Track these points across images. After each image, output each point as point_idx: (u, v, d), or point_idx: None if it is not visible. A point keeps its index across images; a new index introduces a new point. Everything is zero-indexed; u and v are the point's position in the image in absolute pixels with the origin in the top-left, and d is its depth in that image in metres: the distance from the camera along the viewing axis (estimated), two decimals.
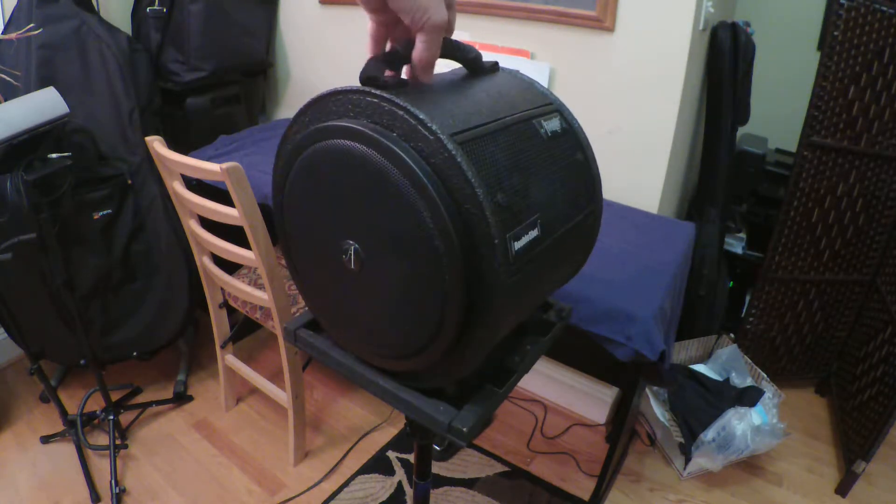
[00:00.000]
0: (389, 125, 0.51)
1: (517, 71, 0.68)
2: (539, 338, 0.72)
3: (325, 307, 0.67)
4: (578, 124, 0.65)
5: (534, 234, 0.53)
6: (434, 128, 0.49)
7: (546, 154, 0.59)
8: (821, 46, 2.01)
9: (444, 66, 0.69)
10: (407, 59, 0.55)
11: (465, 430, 0.58)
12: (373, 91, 0.52)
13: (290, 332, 0.74)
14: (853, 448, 1.63)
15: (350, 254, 0.57)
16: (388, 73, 0.57)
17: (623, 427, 1.49)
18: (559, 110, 0.64)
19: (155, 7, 1.89)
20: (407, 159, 0.49)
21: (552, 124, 0.61)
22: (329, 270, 0.60)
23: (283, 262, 1.73)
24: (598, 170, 0.66)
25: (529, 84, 0.65)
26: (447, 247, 0.49)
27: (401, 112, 0.50)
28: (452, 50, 0.60)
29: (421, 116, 0.49)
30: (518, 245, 0.51)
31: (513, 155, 0.54)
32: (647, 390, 1.72)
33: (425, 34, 0.52)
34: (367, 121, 0.52)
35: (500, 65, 0.68)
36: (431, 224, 0.49)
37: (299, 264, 0.66)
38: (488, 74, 0.65)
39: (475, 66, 0.63)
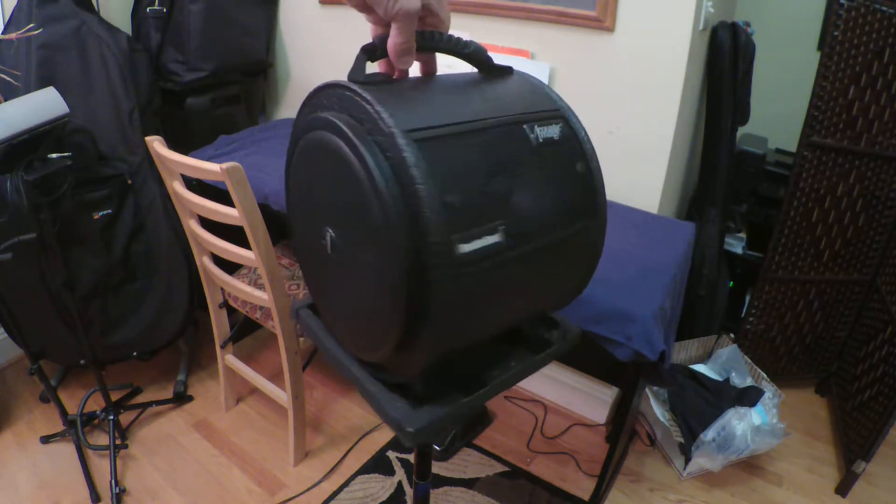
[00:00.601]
0: (360, 118, 0.52)
1: (530, 75, 0.66)
2: (531, 355, 0.69)
3: (318, 292, 0.70)
4: (585, 134, 0.62)
5: (493, 239, 0.52)
6: (389, 122, 0.49)
7: (532, 160, 0.57)
8: (821, 46, 2.01)
9: (444, 67, 0.69)
10: (384, 51, 0.56)
11: (411, 430, 0.57)
12: (348, 85, 0.53)
13: (293, 310, 0.76)
14: (853, 448, 1.63)
15: (327, 240, 0.59)
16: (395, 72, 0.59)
17: (623, 427, 1.49)
18: (565, 118, 0.61)
19: (155, 7, 1.89)
20: (363, 151, 0.49)
21: (548, 131, 0.59)
22: (317, 256, 0.63)
23: (283, 261, 1.73)
24: (603, 183, 0.63)
25: (536, 88, 0.63)
26: (392, 241, 0.49)
27: (367, 106, 0.51)
28: (448, 44, 0.59)
29: (379, 110, 0.50)
30: (467, 248, 0.50)
31: (484, 157, 0.53)
32: (647, 390, 1.72)
33: (397, 21, 0.53)
34: (347, 114, 0.54)
35: (515, 69, 0.66)
36: (380, 217, 0.49)
37: (299, 250, 0.69)
38: (497, 77, 0.64)
39: (477, 63, 0.63)
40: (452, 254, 0.49)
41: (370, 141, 0.50)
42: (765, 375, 1.76)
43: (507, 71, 0.65)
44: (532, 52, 1.70)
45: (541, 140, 0.58)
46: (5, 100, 1.38)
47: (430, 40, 0.58)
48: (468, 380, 0.64)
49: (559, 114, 0.61)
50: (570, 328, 0.73)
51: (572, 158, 0.60)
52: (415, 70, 0.61)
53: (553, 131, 0.59)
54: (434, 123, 0.52)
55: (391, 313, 0.53)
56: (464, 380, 0.63)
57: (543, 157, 0.58)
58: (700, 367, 1.84)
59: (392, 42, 0.55)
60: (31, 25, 1.55)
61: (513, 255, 0.54)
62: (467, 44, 0.60)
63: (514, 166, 0.55)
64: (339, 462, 1.66)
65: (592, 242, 0.65)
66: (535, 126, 0.58)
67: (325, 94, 0.57)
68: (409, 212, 0.48)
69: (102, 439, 1.67)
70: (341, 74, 0.56)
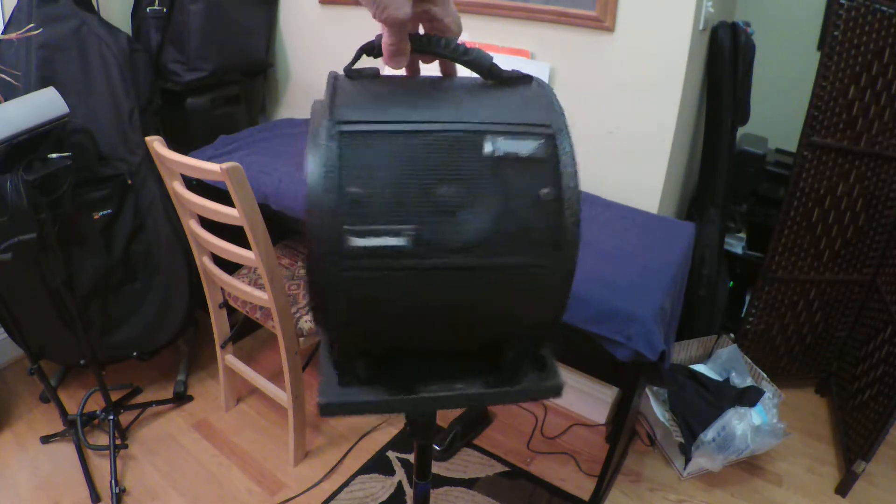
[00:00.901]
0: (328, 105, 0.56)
1: (548, 88, 0.61)
2: (483, 385, 0.64)
3: None
4: (571, 160, 0.54)
5: (393, 241, 0.51)
6: (326, 112, 0.52)
7: (480, 174, 0.52)
8: (821, 46, 2.01)
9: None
10: (380, 49, 0.58)
11: (322, 401, 0.60)
12: (330, 74, 0.57)
13: None
14: (853, 448, 1.63)
15: None
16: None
17: (623, 427, 1.49)
18: (553, 136, 0.54)
19: (155, 7, 1.89)
20: (308, 136, 0.53)
21: (515, 146, 0.53)
22: None
23: (283, 261, 1.73)
24: (576, 218, 0.54)
25: (536, 101, 0.58)
26: (308, 224, 0.51)
27: (326, 94, 0.55)
28: (445, 49, 0.59)
29: (326, 101, 0.53)
30: (360, 242, 0.50)
31: (414, 158, 0.52)
32: (647, 390, 1.72)
33: (385, 26, 0.55)
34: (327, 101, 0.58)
35: (537, 79, 0.63)
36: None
37: None
38: (507, 84, 0.61)
39: (478, 70, 0.62)
40: (341, 244, 0.50)
41: (322, 128, 0.53)
42: (765, 375, 1.76)
43: (519, 80, 0.61)
44: (532, 52, 1.70)
45: (499, 154, 0.53)
46: (5, 100, 1.38)
47: (427, 44, 0.58)
48: (407, 382, 0.63)
49: (545, 131, 0.55)
50: (552, 378, 0.64)
51: (539, 182, 0.53)
52: (434, 69, 0.62)
53: (523, 147, 0.53)
54: (371, 119, 0.52)
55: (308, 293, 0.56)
56: (403, 380, 0.63)
57: (500, 172, 0.53)
58: (700, 367, 1.84)
59: (383, 43, 0.56)
60: (31, 25, 1.55)
61: (421, 265, 0.52)
62: (467, 50, 0.59)
63: (451, 175, 0.52)
64: (339, 462, 1.66)
65: (552, 282, 0.56)
66: (500, 138, 0.53)
67: (329, 83, 0.61)
68: (319, 197, 0.51)
69: (102, 439, 1.67)
70: None
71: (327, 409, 0.60)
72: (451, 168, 0.52)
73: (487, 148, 0.53)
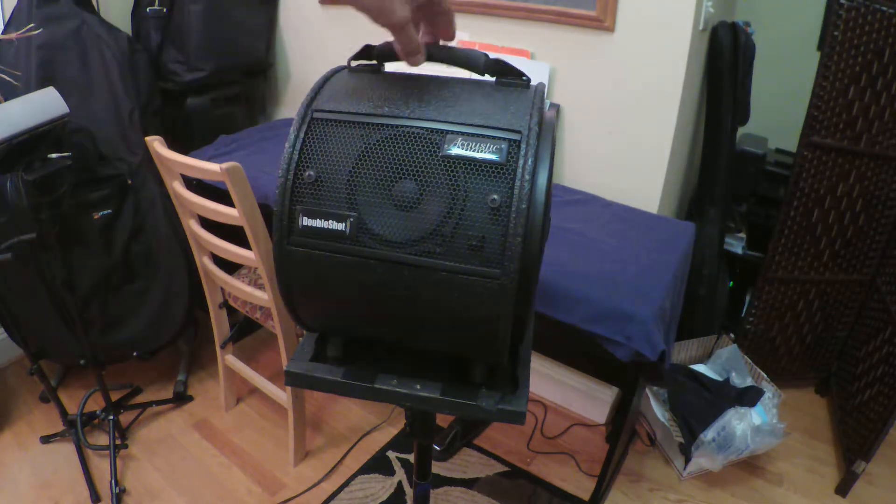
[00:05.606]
0: None
1: (539, 91, 0.60)
2: (436, 391, 0.61)
3: None
4: (529, 169, 0.50)
5: (336, 226, 0.52)
6: (307, 101, 0.56)
7: (434, 172, 0.52)
8: (821, 46, 2.01)
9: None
10: (380, 53, 0.61)
11: (287, 369, 0.65)
12: (333, 69, 0.61)
13: None
14: (853, 448, 1.63)
15: None
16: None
17: (623, 427, 1.49)
18: (516, 142, 0.52)
19: (155, 7, 1.89)
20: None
21: (472, 148, 0.51)
22: None
23: None
24: (522, 230, 0.50)
25: (516, 104, 0.56)
26: (275, 200, 0.55)
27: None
28: (439, 53, 0.60)
29: (313, 90, 0.57)
30: (307, 222, 0.53)
31: (370, 151, 0.53)
32: (647, 390, 1.72)
33: (390, 31, 0.56)
34: None
35: (538, 83, 0.61)
36: None
37: None
38: (501, 86, 0.60)
39: (474, 68, 0.62)
40: (294, 221, 0.53)
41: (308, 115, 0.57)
42: (765, 375, 1.76)
43: (516, 82, 0.60)
44: (532, 52, 1.70)
45: (454, 155, 0.52)
46: (5, 100, 1.38)
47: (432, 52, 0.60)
48: (370, 372, 0.64)
49: (510, 136, 0.52)
50: (517, 404, 0.60)
51: (491, 188, 0.51)
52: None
53: (479, 150, 0.52)
54: (343, 109, 0.54)
55: None
56: (367, 369, 0.64)
57: (454, 174, 0.51)
58: (700, 367, 1.84)
59: (394, 46, 0.57)
60: (31, 25, 1.54)
61: (361, 253, 0.52)
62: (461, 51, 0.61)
63: (407, 171, 0.52)
64: (339, 462, 1.66)
65: (490, 295, 0.52)
66: (458, 139, 0.52)
67: None
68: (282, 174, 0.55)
69: (102, 439, 1.67)
70: None
71: (290, 378, 0.65)
72: (407, 164, 0.52)
73: (444, 148, 0.52)
